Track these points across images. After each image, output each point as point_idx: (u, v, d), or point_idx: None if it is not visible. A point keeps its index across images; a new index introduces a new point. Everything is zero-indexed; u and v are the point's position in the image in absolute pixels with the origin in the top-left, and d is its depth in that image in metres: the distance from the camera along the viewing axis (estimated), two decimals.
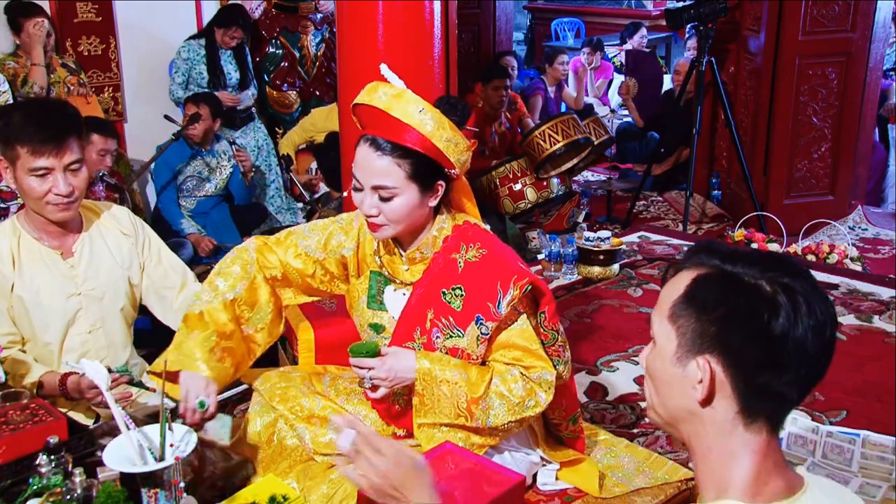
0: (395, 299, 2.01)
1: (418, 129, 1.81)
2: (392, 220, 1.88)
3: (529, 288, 1.88)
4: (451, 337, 1.92)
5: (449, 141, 1.84)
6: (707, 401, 1.14)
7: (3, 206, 3.82)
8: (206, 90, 5.10)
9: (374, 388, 1.91)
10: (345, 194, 4.02)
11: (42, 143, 2.14)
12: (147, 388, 2.40)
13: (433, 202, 1.92)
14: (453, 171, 1.90)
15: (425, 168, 1.86)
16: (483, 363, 1.97)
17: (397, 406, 2.02)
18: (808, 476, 1.17)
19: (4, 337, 2.26)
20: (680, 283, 1.19)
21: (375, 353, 1.90)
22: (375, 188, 1.85)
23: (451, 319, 1.91)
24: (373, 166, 1.84)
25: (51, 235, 2.32)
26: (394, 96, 1.83)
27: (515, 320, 1.93)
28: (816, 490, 1.15)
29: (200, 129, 4.73)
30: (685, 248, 4.16)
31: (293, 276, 2.10)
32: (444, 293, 1.93)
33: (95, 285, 2.36)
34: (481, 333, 1.90)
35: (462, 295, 1.91)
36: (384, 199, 1.85)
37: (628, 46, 7.92)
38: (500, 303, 1.87)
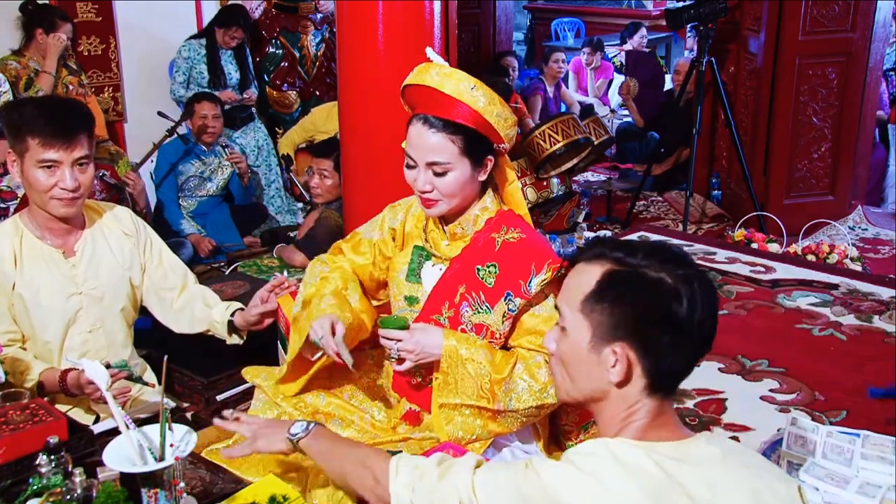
0: (432, 274, 2.05)
1: (471, 105, 1.88)
2: (446, 195, 1.93)
3: (561, 272, 1.90)
4: (478, 312, 1.95)
5: (499, 116, 1.91)
6: (623, 383, 1.32)
7: (2, 206, 3.82)
8: (207, 90, 5.10)
9: (401, 360, 1.95)
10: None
11: (53, 135, 2.15)
12: (147, 384, 2.40)
13: (482, 177, 1.98)
14: (502, 145, 1.97)
15: (476, 143, 1.92)
16: (505, 347, 1.99)
17: (416, 379, 2.04)
18: (705, 435, 1.36)
19: (4, 335, 2.26)
20: (586, 276, 1.35)
21: (404, 327, 1.95)
22: (429, 164, 1.91)
23: (482, 295, 1.94)
24: (426, 143, 1.90)
25: (53, 234, 2.32)
26: (445, 75, 1.90)
27: (542, 304, 1.95)
28: (702, 441, 1.33)
29: (215, 125, 4.75)
30: (685, 248, 4.17)
31: (359, 271, 2.17)
32: (478, 269, 1.96)
33: (96, 285, 2.36)
34: (508, 310, 1.93)
35: (496, 272, 1.94)
36: (438, 175, 1.91)
37: (628, 46, 7.92)
38: (531, 281, 1.90)
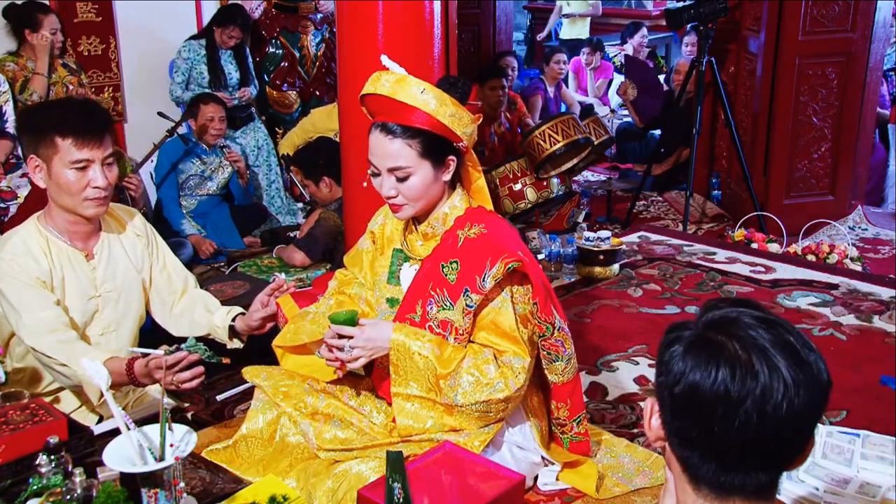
0: (409, 274, 2.08)
1: (423, 108, 1.91)
2: (410, 199, 1.98)
3: (512, 267, 1.91)
4: (443, 309, 1.97)
5: (453, 116, 1.94)
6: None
7: (2, 205, 3.82)
8: (207, 90, 5.10)
9: (353, 358, 1.97)
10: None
11: (85, 133, 2.16)
12: (222, 362, 2.40)
13: (446, 177, 2.02)
14: (461, 143, 1.99)
15: (435, 145, 1.95)
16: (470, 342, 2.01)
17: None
18: None
19: (57, 319, 2.23)
20: None
21: (354, 320, 1.98)
22: (391, 170, 1.96)
23: (445, 292, 1.97)
24: (386, 150, 1.95)
25: (75, 237, 2.33)
26: (396, 82, 1.93)
27: (497, 298, 1.96)
28: None
29: (220, 127, 4.76)
30: (685, 248, 4.17)
31: (367, 283, 2.23)
32: (442, 266, 1.99)
33: (112, 287, 2.38)
34: (466, 305, 1.95)
35: (457, 269, 1.97)
36: (401, 180, 1.96)
37: (628, 46, 7.92)
38: (485, 276, 1.92)
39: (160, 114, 4.82)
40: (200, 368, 2.12)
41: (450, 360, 1.92)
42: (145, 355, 2.10)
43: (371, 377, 2.16)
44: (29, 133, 2.24)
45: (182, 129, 4.80)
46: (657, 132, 6.38)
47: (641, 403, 2.72)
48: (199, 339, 2.48)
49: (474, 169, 2.11)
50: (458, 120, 1.94)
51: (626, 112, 7.12)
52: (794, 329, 1.11)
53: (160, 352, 2.09)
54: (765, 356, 1.06)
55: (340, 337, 1.97)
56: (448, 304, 1.96)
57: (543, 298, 2.00)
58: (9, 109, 4.13)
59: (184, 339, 2.54)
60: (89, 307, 2.34)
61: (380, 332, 1.96)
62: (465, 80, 2.06)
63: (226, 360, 2.41)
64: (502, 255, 1.91)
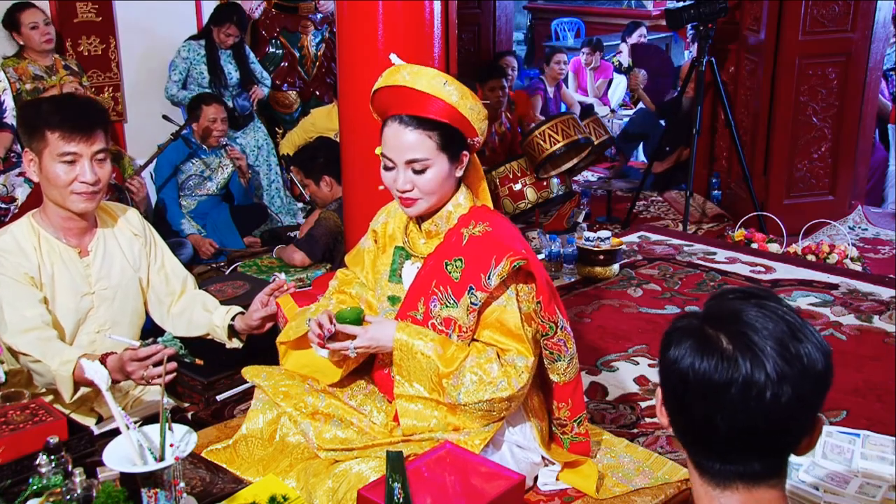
0: (411, 272, 2.08)
1: (445, 99, 1.90)
2: (426, 193, 1.96)
3: (518, 266, 1.91)
4: (446, 307, 1.96)
5: (472, 109, 1.94)
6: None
7: (2, 206, 3.82)
8: (208, 90, 5.09)
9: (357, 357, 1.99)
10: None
11: (72, 128, 2.19)
12: (195, 362, 2.39)
13: (459, 173, 2.01)
14: (476, 139, 2.00)
15: (452, 138, 1.95)
16: (474, 340, 2.01)
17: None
18: None
19: (38, 317, 2.24)
20: None
21: (360, 318, 1.98)
22: (409, 162, 1.94)
23: (449, 289, 1.96)
24: (404, 141, 1.93)
25: (69, 234, 2.33)
26: (415, 73, 1.92)
27: (502, 296, 1.96)
28: None
29: (222, 128, 4.76)
30: (685, 248, 4.17)
31: (368, 283, 2.23)
32: (446, 264, 1.99)
33: (108, 285, 2.38)
34: (471, 303, 1.94)
35: (462, 266, 1.96)
36: (417, 172, 1.94)
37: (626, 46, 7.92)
38: (490, 274, 1.91)
39: (165, 117, 4.83)
40: (173, 364, 2.13)
41: (452, 359, 1.92)
42: (133, 347, 2.10)
43: (372, 374, 2.16)
44: (23, 127, 2.29)
45: (183, 131, 4.80)
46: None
47: (642, 403, 2.72)
48: (178, 336, 2.49)
49: (478, 168, 2.11)
50: (477, 114, 1.95)
51: (626, 112, 7.14)
52: (797, 320, 1.12)
53: (136, 343, 2.10)
54: (749, 349, 1.08)
55: (344, 336, 1.96)
56: (452, 301, 1.96)
57: (548, 297, 2.00)
58: (7, 98, 4.12)
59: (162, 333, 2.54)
60: (83, 304, 2.34)
61: (383, 331, 1.96)
62: (468, 82, 2.07)
63: (199, 361, 2.40)
64: (508, 253, 1.91)
